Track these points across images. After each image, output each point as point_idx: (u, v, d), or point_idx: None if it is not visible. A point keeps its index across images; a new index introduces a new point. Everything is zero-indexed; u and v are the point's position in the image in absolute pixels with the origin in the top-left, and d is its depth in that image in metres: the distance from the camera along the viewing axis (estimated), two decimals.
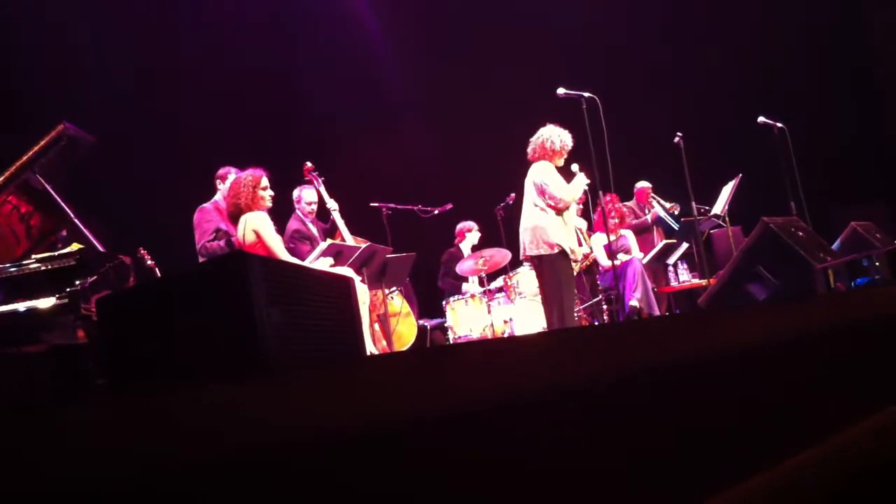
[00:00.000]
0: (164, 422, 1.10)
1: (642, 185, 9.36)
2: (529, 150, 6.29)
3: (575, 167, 6.42)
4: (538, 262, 6.14)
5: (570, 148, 6.26)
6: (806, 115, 8.97)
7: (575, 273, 8.42)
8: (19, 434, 1.03)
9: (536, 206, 6.10)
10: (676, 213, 9.15)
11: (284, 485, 1.04)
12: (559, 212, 6.09)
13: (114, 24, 7.90)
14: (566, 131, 6.30)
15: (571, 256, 6.08)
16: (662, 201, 9.25)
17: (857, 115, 9.99)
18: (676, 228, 8.91)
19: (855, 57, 10.24)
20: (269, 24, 9.35)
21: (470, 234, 8.60)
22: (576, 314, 8.14)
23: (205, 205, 6.34)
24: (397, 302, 7.37)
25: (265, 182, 5.57)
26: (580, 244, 8.59)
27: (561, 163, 6.28)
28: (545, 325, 7.21)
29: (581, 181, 6.25)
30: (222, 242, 6.10)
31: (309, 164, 6.80)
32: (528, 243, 6.11)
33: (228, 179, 6.21)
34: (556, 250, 6.00)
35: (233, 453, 1.02)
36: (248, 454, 1.03)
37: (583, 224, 8.73)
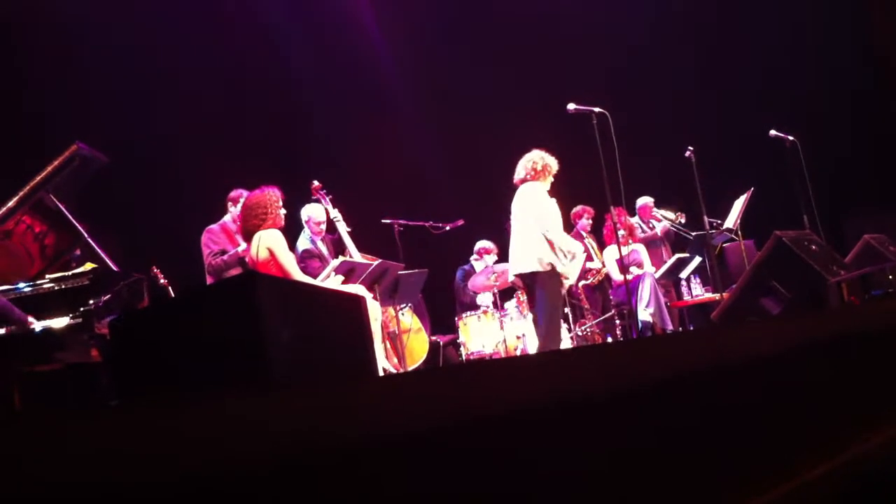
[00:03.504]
0: (170, 434, 1.10)
1: (644, 201, 9.32)
2: (518, 174, 6.24)
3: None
4: (530, 280, 6.07)
5: (552, 171, 6.21)
6: (818, 127, 8.93)
7: (578, 285, 8.42)
8: (28, 444, 1.03)
9: (530, 226, 6.02)
10: (683, 221, 9.11)
11: (291, 494, 1.04)
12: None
13: (121, 44, 7.94)
14: (552, 157, 6.26)
15: (562, 278, 5.99)
16: (666, 213, 9.21)
17: (869, 126, 9.95)
18: (690, 236, 8.87)
19: (866, 68, 10.21)
20: (276, 40, 9.39)
21: (488, 256, 8.58)
22: (588, 329, 8.16)
23: (212, 226, 6.40)
24: (407, 318, 7.36)
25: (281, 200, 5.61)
26: (591, 259, 8.60)
27: (546, 186, 6.21)
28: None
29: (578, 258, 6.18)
30: (227, 258, 6.14)
31: (316, 182, 6.81)
32: (522, 260, 6.04)
33: (240, 202, 6.28)
34: (548, 268, 5.92)
35: (238, 468, 1.02)
36: (253, 469, 1.02)
37: (592, 241, 8.74)
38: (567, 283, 6.08)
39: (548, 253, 5.93)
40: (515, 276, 6.22)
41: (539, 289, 6.02)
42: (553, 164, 6.23)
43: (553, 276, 5.94)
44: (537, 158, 6.20)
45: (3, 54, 7.03)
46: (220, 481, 1.01)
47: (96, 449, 1.06)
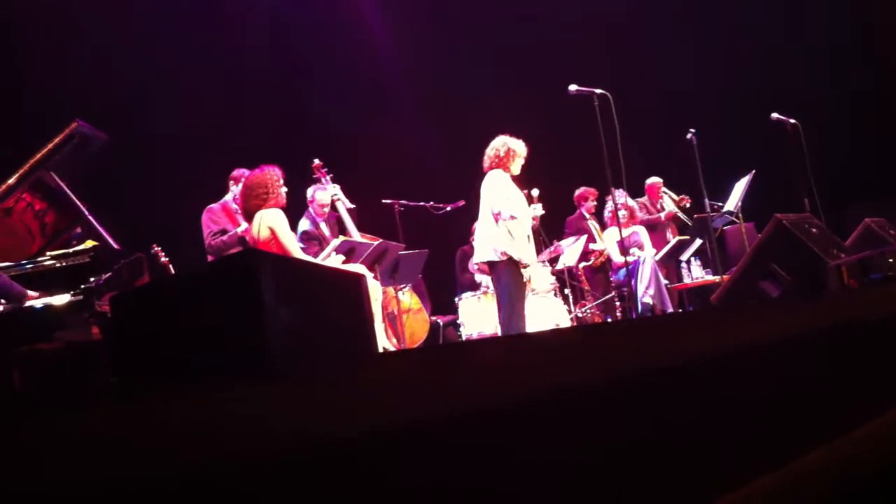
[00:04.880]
0: (169, 424, 1.10)
1: (653, 180, 9.34)
2: (484, 161, 6.17)
3: (535, 192, 6.37)
4: (490, 268, 6.05)
5: (518, 154, 6.11)
6: (819, 110, 8.92)
7: (577, 267, 8.42)
8: (24, 437, 1.04)
9: (490, 214, 5.97)
10: (687, 205, 9.13)
11: (290, 487, 1.04)
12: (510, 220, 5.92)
13: (129, 24, 7.92)
14: (518, 140, 6.15)
15: (521, 266, 5.88)
16: (673, 195, 9.23)
17: (872, 111, 9.94)
18: (690, 224, 8.89)
19: (868, 51, 10.19)
20: (277, 24, 9.36)
21: None
22: (588, 311, 8.17)
23: (213, 205, 6.41)
24: (407, 298, 7.37)
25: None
26: (593, 240, 8.61)
27: (516, 170, 6.13)
28: (557, 322, 7.22)
29: (532, 210, 6.19)
30: (227, 238, 6.15)
31: (317, 161, 6.80)
32: (479, 249, 6.04)
33: (242, 182, 6.27)
34: (504, 258, 5.84)
35: (240, 456, 1.03)
36: (255, 456, 1.03)
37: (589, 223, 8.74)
38: (527, 272, 5.96)
39: (502, 241, 5.87)
40: (478, 262, 6.21)
41: (496, 278, 6.00)
42: (518, 148, 6.13)
43: (509, 264, 5.88)
44: (500, 145, 6.12)
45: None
46: (212, 472, 1.01)
47: (91, 443, 1.06)
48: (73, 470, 0.98)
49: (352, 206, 6.68)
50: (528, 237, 6.01)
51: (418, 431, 1.18)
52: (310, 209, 6.88)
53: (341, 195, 6.69)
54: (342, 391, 1.31)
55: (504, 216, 5.88)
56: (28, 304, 4.50)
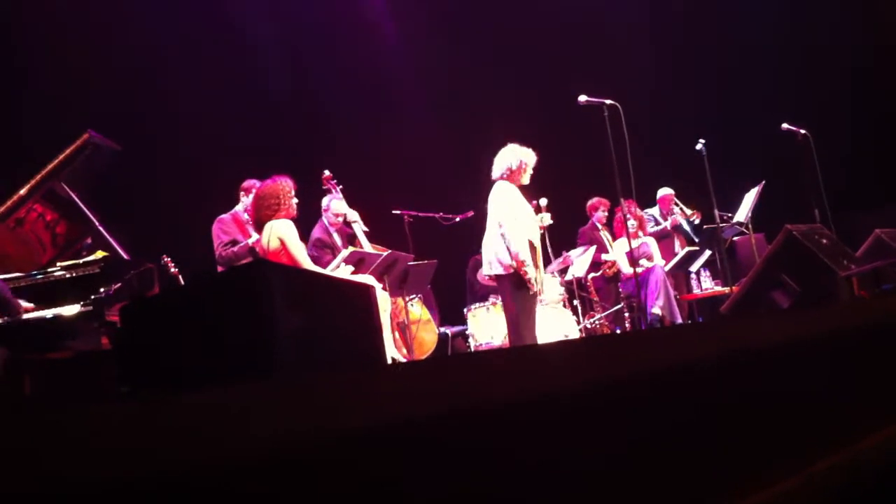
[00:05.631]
0: (169, 426, 1.10)
1: (665, 191, 9.32)
2: (494, 171, 6.06)
3: (543, 202, 6.31)
4: (497, 281, 5.99)
5: (527, 165, 6.01)
6: (829, 120, 8.90)
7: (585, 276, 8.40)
8: (27, 436, 1.04)
9: (496, 226, 5.89)
10: (697, 221, 9.12)
11: (289, 487, 1.04)
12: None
13: (139, 33, 7.97)
14: (528, 149, 6.05)
15: (526, 280, 5.74)
16: (685, 208, 9.21)
17: (883, 119, 9.90)
18: (696, 239, 8.88)
19: (877, 59, 10.16)
20: (288, 34, 9.40)
21: None
22: (597, 322, 8.15)
23: (223, 216, 6.42)
24: (417, 309, 7.37)
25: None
26: (605, 250, 8.59)
27: (524, 180, 6.04)
28: (566, 333, 7.20)
29: (540, 219, 6.12)
30: (237, 248, 6.16)
31: (327, 172, 6.82)
32: (487, 262, 5.93)
33: (252, 193, 6.28)
34: (510, 271, 5.75)
35: (239, 458, 1.03)
36: (255, 459, 1.03)
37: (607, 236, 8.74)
38: (533, 290, 5.81)
39: (506, 255, 5.79)
40: (487, 276, 6.13)
41: (503, 292, 5.92)
42: (528, 158, 6.02)
43: (514, 278, 5.78)
44: (511, 157, 6.01)
45: (4, 53, 7.06)
46: (217, 476, 1.01)
47: (95, 442, 1.06)
48: (72, 470, 0.98)
49: (365, 228, 6.69)
50: (535, 248, 5.93)
51: (420, 435, 1.18)
52: (323, 218, 6.90)
53: (359, 219, 6.70)
54: (345, 396, 1.31)
55: (505, 232, 5.81)
56: (38, 313, 4.52)
